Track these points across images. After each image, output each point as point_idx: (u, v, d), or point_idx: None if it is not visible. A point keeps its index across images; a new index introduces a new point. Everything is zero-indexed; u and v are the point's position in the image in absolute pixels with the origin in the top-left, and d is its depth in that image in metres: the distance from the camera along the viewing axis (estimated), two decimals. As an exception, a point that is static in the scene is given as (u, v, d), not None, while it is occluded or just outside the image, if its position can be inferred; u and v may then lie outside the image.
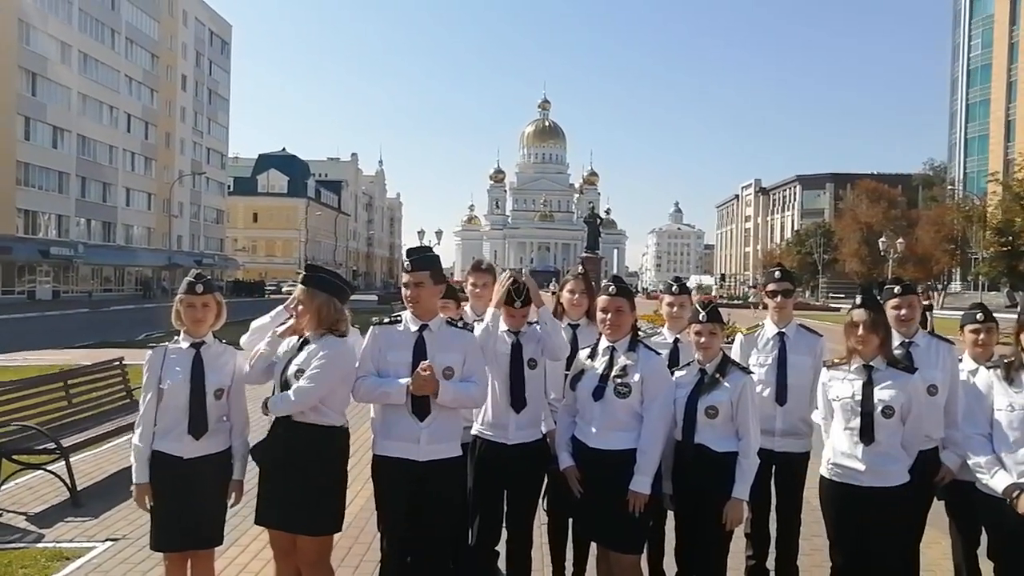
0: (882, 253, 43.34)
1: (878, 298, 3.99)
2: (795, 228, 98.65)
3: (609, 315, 3.78)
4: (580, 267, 4.67)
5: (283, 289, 55.74)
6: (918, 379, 3.73)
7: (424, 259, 3.69)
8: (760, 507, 4.39)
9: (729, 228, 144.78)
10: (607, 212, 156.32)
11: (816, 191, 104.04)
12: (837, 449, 3.74)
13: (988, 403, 3.57)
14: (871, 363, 3.71)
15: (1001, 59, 66.62)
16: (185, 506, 3.61)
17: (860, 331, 3.66)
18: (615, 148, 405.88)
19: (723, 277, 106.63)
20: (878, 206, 71.03)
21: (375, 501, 3.82)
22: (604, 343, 3.84)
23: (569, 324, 4.46)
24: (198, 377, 3.64)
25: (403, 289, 3.71)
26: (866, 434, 3.64)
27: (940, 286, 60.32)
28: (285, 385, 3.57)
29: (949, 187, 68.23)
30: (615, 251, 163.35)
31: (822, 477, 3.83)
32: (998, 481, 3.44)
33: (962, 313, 4.47)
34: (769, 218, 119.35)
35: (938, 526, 4.50)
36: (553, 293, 4.68)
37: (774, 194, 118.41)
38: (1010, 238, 49.77)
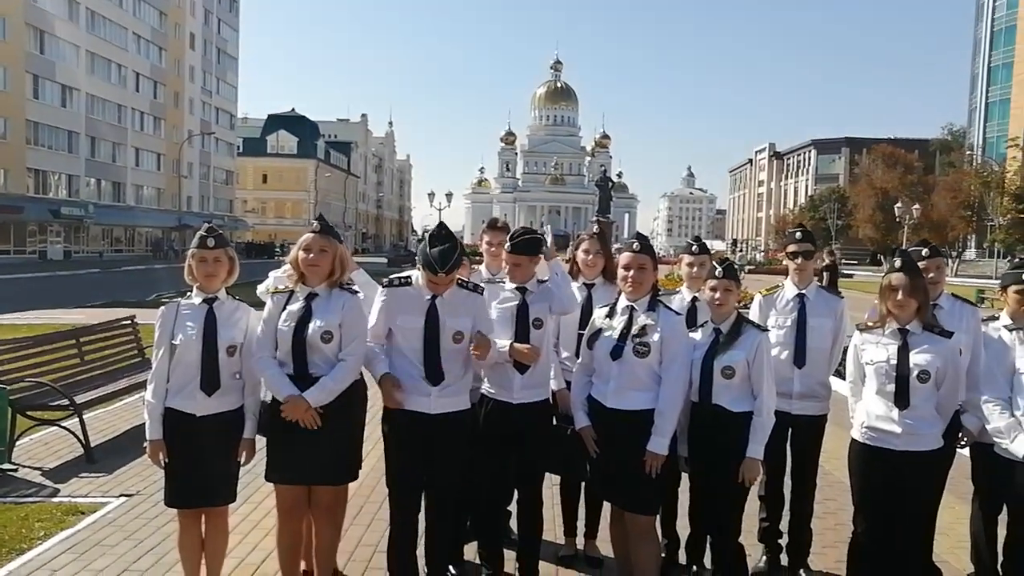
0: (897, 219, 42.87)
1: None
2: (809, 193, 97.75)
3: (632, 272, 3.70)
4: (596, 226, 4.58)
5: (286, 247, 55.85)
6: (955, 343, 3.63)
7: (455, 263, 3.59)
8: (775, 470, 4.36)
9: (742, 193, 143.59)
10: (619, 176, 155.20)
11: (831, 156, 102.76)
12: (872, 412, 3.65)
13: (1009, 366, 3.49)
14: (907, 327, 3.60)
15: (1026, 20, 65.10)
16: (198, 463, 3.61)
17: (900, 295, 3.54)
18: (627, 111, 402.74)
19: (735, 242, 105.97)
20: (894, 171, 70.20)
21: (385, 455, 3.82)
22: (623, 302, 3.77)
23: (584, 283, 4.40)
24: (211, 333, 3.60)
25: (440, 280, 3.60)
26: (901, 398, 3.55)
27: (955, 253, 59.74)
28: (302, 345, 3.56)
29: (968, 152, 67.27)
30: (626, 215, 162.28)
31: (853, 440, 3.76)
32: (1018, 446, 3.38)
33: (1003, 273, 4.32)
34: (783, 183, 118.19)
35: (952, 491, 4.46)
36: (567, 259, 4.60)
37: (788, 159, 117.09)
38: (1028, 205, 49.22)
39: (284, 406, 3.52)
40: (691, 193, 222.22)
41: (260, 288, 4.17)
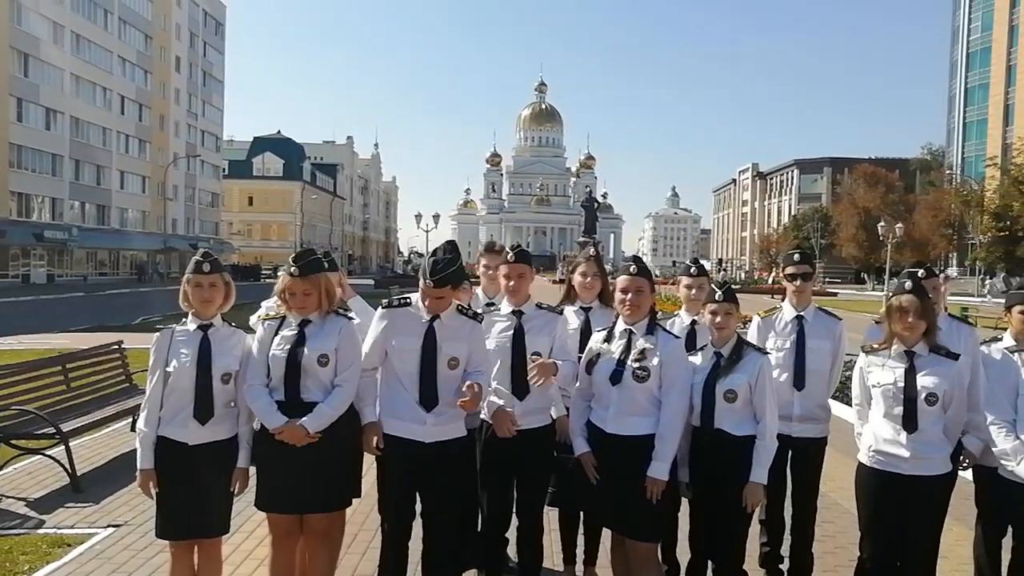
0: (880, 238, 43.27)
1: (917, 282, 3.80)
2: (792, 213, 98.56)
3: (629, 295, 3.67)
4: (592, 249, 4.56)
5: (279, 273, 55.61)
6: (962, 365, 3.62)
7: (449, 276, 3.55)
8: (776, 493, 4.32)
9: (726, 213, 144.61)
10: (604, 196, 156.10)
11: (814, 175, 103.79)
12: (879, 436, 3.62)
13: (1012, 388, 3.48)
14: (913, 349, 3.58)
15: (1001, 42, 66.32)
16: (191, 493, 3.52)
17: (910, 318, 3.52)
18: (612, 132, 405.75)
19: (720, 262, 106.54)
20: (876, 190, 70.97)
21: (377, 482, 3.76)
22: (621, 325, 3.73)
23: (581, 307, 4.37)
24: (205, 360, 3.53)
25: (430, 291, 3.57)
26: (909, 421, 3.52)
27: (937, 271, 60.24)
28: (296, 370, 3.50)
29: (947, 171, 68.17)
30: (612, 235, 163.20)
31: (861, 464, 3.72)
32: (1023, 468, 3.35)
33: (1008, 293, 4.32)
34: (766, 202, 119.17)
35: (950, 513, 4.43)
36: (559, 281, 4.59)
37: (771, 178, 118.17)
38: (1007, 223, 49.89)
39: (283, 432, 3.46)
40: (675, 213, 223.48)
41: (253, 319, 4.08)
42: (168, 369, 3.53)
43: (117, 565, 4.72)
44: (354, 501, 3.78)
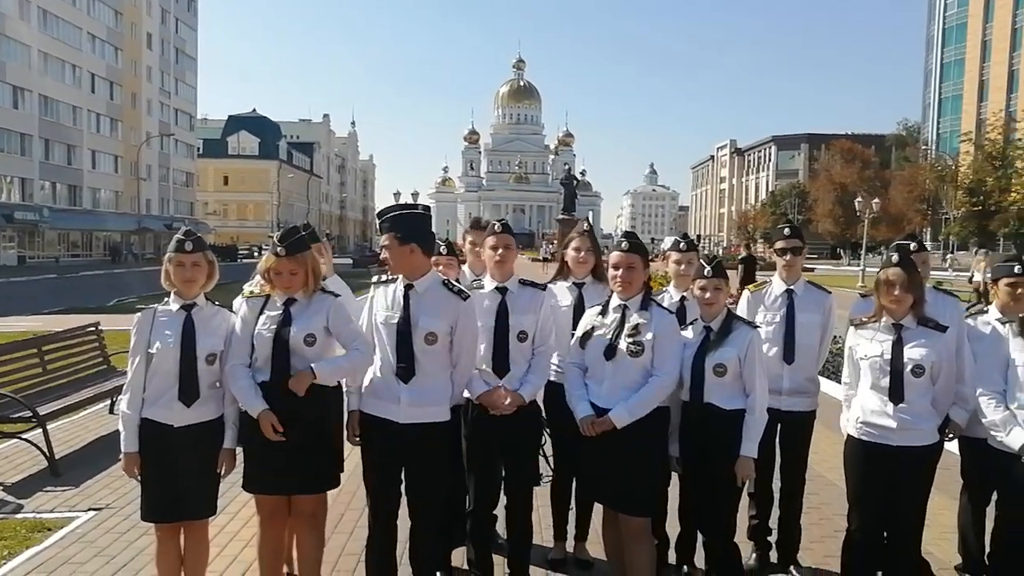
0: (857, 213, 43.60)
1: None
2: (770, 189, 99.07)
3: (621, 271, 3.65)
4: (585, 224, 4.50)
5: (255, 255, 55.13)
6: (949, 337, 3.64)
7: (387, 220, 3.54)
8: (765, 466, 4.31)
9: (704, 189, 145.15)
10: (582, 173, 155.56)
11: (791, 152, 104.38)
12: (866, 408, 3.65)
13: (1003, 359, 3.49)
14: (901, 322, 3.61)
15: (977, 18, 66.79)
16: (176, 476, 3.46)
17: (897, 291, 3.54)
18: (590, 109, 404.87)
19: (699, 238, 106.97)
20: (852, 166, 71.41)
21: (362, 460, 3.73)
22: (615, 301, 3.71)
23: (574, 283, 4.32)
24: (189, 341, 3.46)
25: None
26: (896, 393, 3.56)
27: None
28: (284, 350, 3.44)
29: (923, 147, 68.77)
30: (590, 212, 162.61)
31: (849, 436, 3.75)
32: (1014, 439, 3.38)
33: (995, 266, 4.33)
34: (744, 179, 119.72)
35: (934, 484, 4.48)
36: (542, 259, 4.55)
37: (749, 155, 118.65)
38: (981, 198, 50.45)
39: (291, 380, 3.40)
40: (654, 190, 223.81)
41: (236, 302, 3.99)
42: (151, 350, 3.45)
43: (100, 548, 4.65)
44: (341, 480, 3.75)
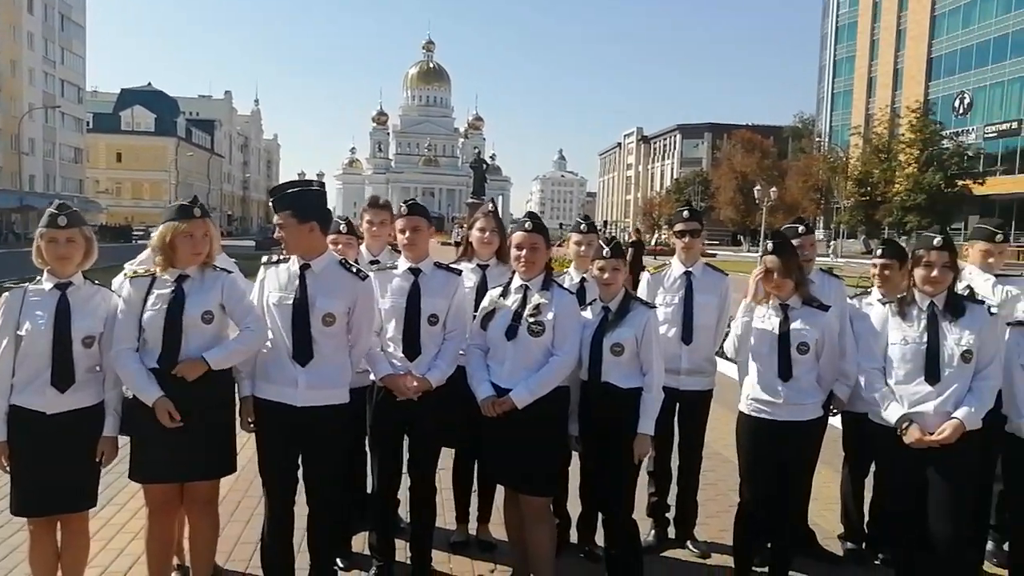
0: (756, 201, 45.35)
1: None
2: (675, 176, 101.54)
3: (524, 251, 3.65)
4: (491, 204, 4.48)
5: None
6: (831, 316, 3.83)
7: (284, 197, 3.43)
8: (663, 445, 4.42)
9: (611, 176, 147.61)
10: (492, 158, 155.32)
11: (695, 140, 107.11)
12: (756, 385, 3.80)
13: (883, 338, 3.68)
14: (787, 302, 3.77)
15: (866, 17, 70.06)
16: (51, 466, 3.24)
17: (775, 277, 3.72)
18: (500, 93, 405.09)
19: (605, 223, 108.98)
20: (752, 156, 73.94)
21: (256, 446, 3.61)
22: (517, 281, 3.71)
23: (478, 264, 4.29)
24: (63, 322, 3.23)
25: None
26: (784, 370, 3.72)
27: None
28: (176, 330, 3.29)
29: (817, 139, 71.85)
30: (500, 197, 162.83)
31: (741, 413, 3.89)
32: (891, 413, 3.56)
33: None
34: (650, 166, 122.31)
35: (820, 457, 4.69)
36: (454, 243, 4.51)
37: (655, 143, 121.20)
38: (868, 189, 53.28)
39: (179, 368, 3.26)
40: (563, 176, 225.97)
41: (116, 281, 3.72)
42: (20, 332, 3.21)
43: (-33, 547, 4.33)
44: (238, 466, 3.62)
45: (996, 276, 4.28)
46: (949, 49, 58.46)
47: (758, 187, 44.84)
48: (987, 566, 4.30)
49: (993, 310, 3.74)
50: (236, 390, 3.57)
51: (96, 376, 3.38)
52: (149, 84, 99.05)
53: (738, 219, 72.14)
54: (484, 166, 48.16)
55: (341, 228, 4.25)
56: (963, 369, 3.48)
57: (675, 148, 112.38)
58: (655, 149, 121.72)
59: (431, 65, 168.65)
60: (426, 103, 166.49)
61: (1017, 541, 3.74)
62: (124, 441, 3.48)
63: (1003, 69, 52.73)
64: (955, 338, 3.48)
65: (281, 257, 3.58)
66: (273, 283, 3.52)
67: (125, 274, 3.57)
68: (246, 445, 3.69)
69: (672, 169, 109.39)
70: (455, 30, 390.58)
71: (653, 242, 53.12)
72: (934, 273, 3.50)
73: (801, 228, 4.39)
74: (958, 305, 3.55)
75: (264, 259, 3.62)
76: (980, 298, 3.95)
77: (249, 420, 3.54)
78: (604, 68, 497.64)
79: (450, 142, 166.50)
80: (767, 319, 3.79)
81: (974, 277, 4.28)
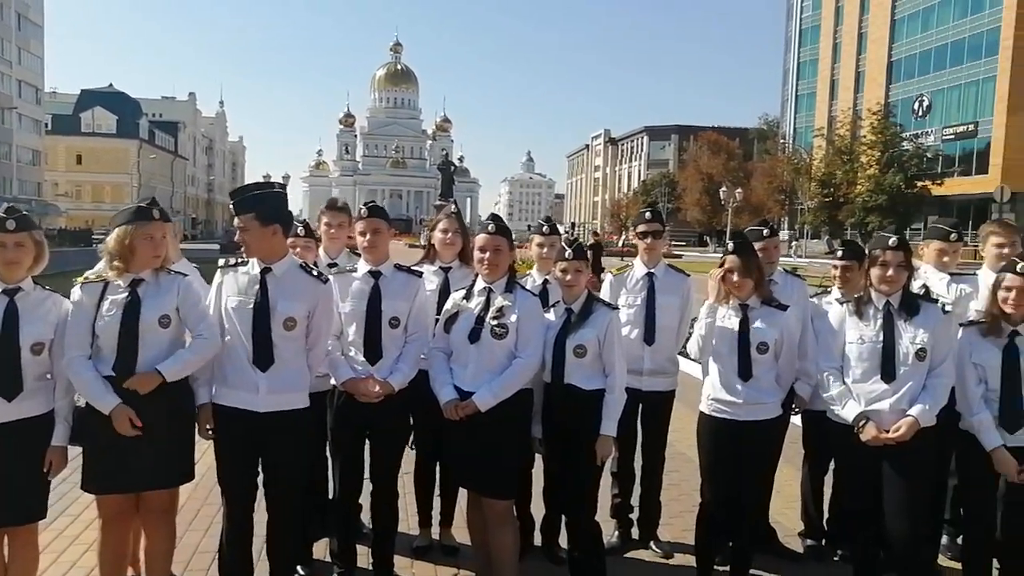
0: (722, 202, 45.87)
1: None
2: (642, 178, 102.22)
3: (488, 254, 3.64)
4: (453, 206, 4.46)
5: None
6: (790, 316, 3.87)
7: (246, 200, 3.38)
8: (627, 445, 4.44)
9: (579, 177, 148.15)
10: (460, 160, 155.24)
11: (662, 142, 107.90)
12: (717, 385, 3.82)
13: (841, 337, 3.72)
14: (747, 302, 3.80)
15: (829, 21, 71.17)
16: (-3, 476, 3.14)
17: (735, 277, 3.74)
18: (469, 96, 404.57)
19: (574, 225, 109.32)
20: (718, 157, 74.79)
21: (215, 453, 3.55)
22: (480, 284, 3.70)
23: (441, 267, 4.26)
24: (10, 329, 3.14)
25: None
26: (743, 370, 3.75)
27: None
28: (132, 336, 3.23)
29: (781, 141, 72.81)
30: (468, 199, 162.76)
31: (702, 413, 3.90)
32: (848, 411, 3.60)
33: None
34: (618, 168, 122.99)
35: (782, 455, 4.75)
36: (422, 246, 4.48)
37: (623, 144, 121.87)
38: (831, 190, 54.12)
39: (132, 381, 3.18)
40: (531, 178, 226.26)
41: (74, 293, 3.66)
42: (-35, 339, 3.11)
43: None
44: (196, 474, 3.56)
45: (951, 275, 4.36)
46: (908, 53, 59.62)
47: (724, 188, 45.41)
48: (942, 559, 4.37)
49: (947, 308, 3.81)
50: (194, 397, 3.50)
51: (46, 384, 3.30)
52: (110, 85, 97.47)
53: (704, 220, 72.89)
54: (452, 168, 48.15)
55: (299, 231, 4.21)
56: (917, 367, 3.53)
57: (642, 150, 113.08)
58: (623, 151, 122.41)
59: (399, 67, 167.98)
60: (394, 105, 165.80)
61: (970, 535, 3.81)
62: (75, 451, 3.39)
63: (960, 73, 53.91)
64: (910, 337, 3.54)
65: (240, 260, 3.53)
66: (232, 287, 3.47)
67: (77, 280, 3.49)
68: (206, 453, 3.62)
69: (639, 171, 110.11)
70: (423, 32, 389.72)
71: (620, 243, 53.39)
72: (889, 272, 3.55)
73: (766, 231, 4.45)
74: (913, 304, 3.61)
75: (221, 263, 3.56)
76: (935, 297, 4.03)
77: (208, 428, 3.48)
78: (572, 70, 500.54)
79: (418, 144, 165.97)
80: (727, 319, 3.81)
81: (929, 276, 4.36)
